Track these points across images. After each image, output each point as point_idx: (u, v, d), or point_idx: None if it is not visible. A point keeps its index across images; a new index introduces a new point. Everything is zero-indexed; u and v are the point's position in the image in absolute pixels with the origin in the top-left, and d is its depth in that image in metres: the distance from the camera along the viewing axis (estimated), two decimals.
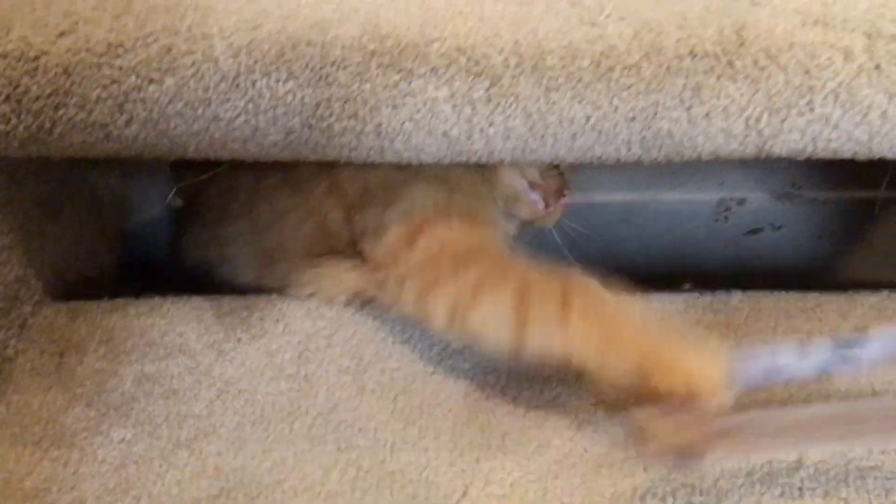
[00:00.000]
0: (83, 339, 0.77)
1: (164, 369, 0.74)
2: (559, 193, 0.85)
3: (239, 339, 0.77)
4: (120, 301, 0.80)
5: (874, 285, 0.78)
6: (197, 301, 0.80)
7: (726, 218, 1.16)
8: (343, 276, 0.77)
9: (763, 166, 1.15)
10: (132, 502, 0.65)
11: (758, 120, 0.63)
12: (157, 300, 0.80)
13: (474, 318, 0.64)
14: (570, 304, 0.60)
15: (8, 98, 0.64)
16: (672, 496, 0.63)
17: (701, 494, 0.62)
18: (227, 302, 0.80)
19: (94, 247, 0.90)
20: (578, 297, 0.60)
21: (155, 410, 0.71)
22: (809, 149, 0.65)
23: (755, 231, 1.15)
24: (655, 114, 0.63)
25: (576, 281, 0.61)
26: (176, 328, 0.77)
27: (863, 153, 0.65)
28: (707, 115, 0.63)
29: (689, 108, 0.62)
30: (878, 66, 0.61)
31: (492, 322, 0.63)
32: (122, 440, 0.69)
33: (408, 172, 0.73)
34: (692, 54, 0.62)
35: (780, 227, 1.15)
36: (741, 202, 1.16)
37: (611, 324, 0.59)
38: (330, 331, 0.77)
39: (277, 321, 0.78)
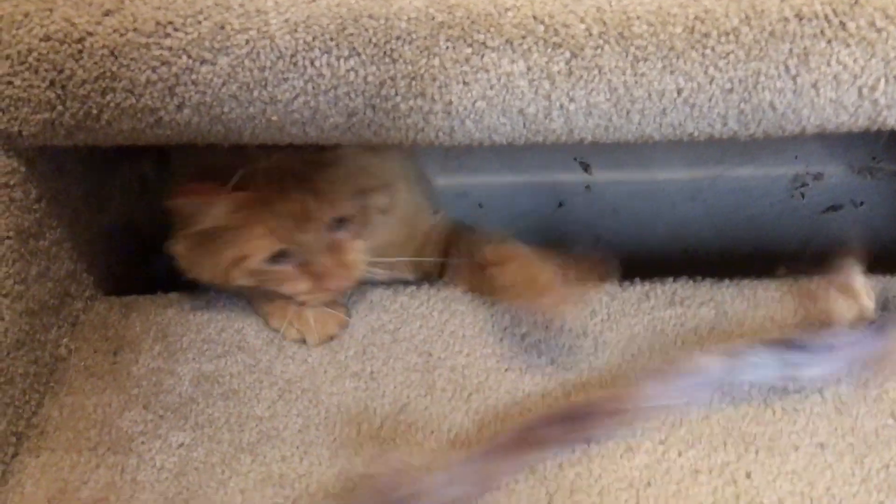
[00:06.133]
0: (138, 337, 0.73)
1: (222, 368, 0.70)
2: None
3: None
4: (174, 295, 0.77)
5: None
6: None
7: (802, 194, 1.09)
8: None
9: (840, 138, 1.08)
10: None
11: (873, 88, 0.56)
12: (213, 294, 0.76)
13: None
14: None
15: (52, 83, 0.60)
16: None
17: None
18: None
19: (146, 238, 0.86)
20: None
21: (214, 412, 0.67)
22: None
23: (834, 208, 1.08)
24: (756, 84, 0.57)
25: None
26: (234, 324, 0.74)
27: None
28: (815, 84, 0.56)
29: (795, 76, 0.56)
30: None
31: None
32: (182, 444, 0.65)
33: None
34: (798, 16, 0.55)
35: (861, 204, 1.08)
36: (818, 177, 1.09)
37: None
38: (395, 325, 0.73)
39: None
